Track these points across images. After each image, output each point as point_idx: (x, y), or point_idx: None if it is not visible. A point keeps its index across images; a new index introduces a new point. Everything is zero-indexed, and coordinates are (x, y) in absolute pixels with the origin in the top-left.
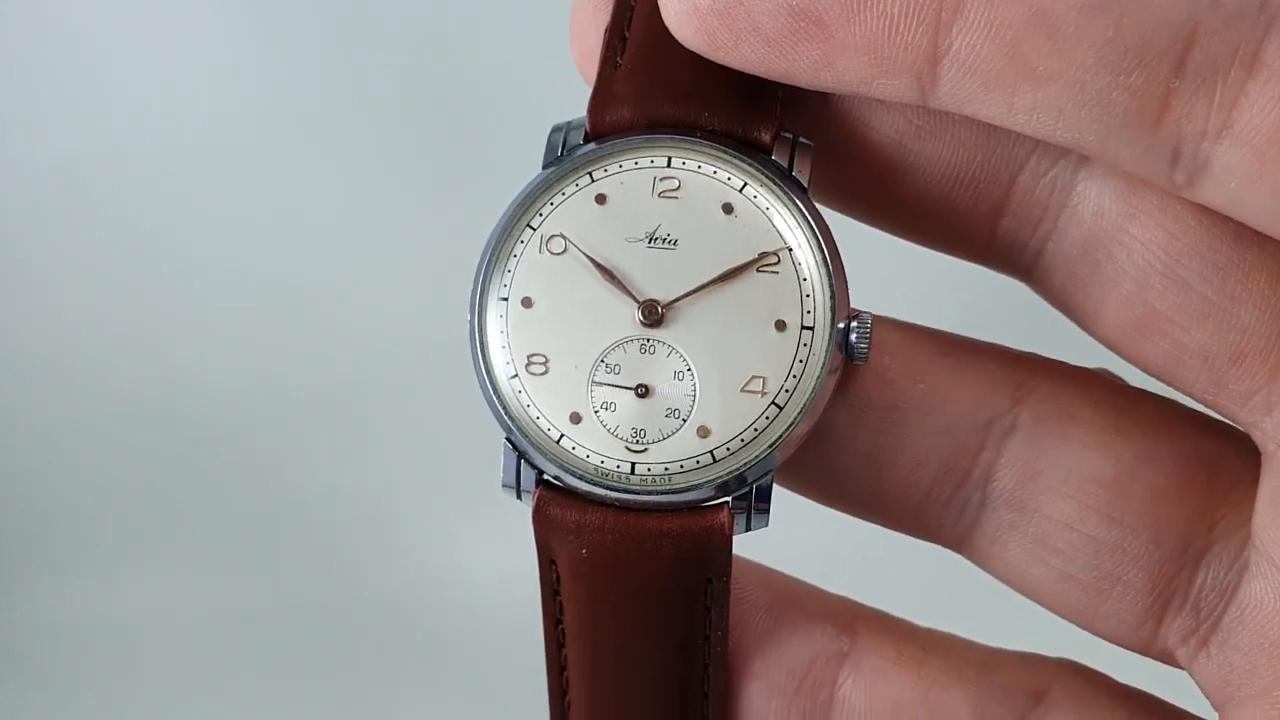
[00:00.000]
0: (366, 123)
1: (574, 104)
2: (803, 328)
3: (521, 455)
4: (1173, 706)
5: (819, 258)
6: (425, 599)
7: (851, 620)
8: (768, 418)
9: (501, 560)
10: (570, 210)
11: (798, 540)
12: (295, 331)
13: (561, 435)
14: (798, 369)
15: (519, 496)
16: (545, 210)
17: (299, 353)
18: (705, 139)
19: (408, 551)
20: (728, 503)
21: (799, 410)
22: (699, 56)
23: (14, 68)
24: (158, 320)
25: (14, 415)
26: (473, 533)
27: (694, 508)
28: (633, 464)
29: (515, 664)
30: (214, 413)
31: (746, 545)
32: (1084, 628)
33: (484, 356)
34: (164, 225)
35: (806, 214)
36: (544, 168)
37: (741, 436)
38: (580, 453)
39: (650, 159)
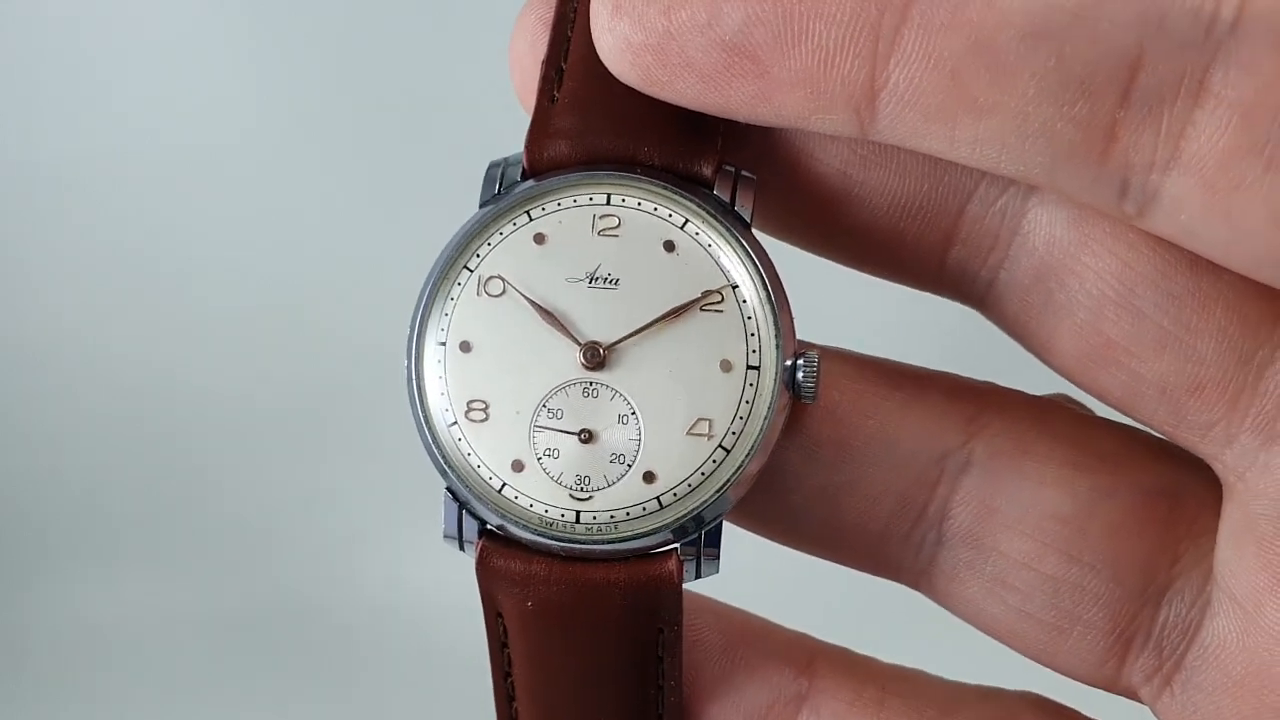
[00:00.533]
0: (364, 124)
1: None
2: (748, 367)
3: (463, 505)
4: None
5: (763, 295)
6: (422, 601)
7: (810, 659)
8: (715, 461)
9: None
10: (508, 250)
11: (757, 572)
12: (296, 333)
13: (504, 484)
14: (744, 410)
15: (461, 547)
16: (483, 251)
17: (300, 354)
18: (645, 174)
19: (405, 554)
20: (676, 550)
21: (747, 452)
22: (637, 90)
23: (14, 68)
24: (157, 320)
25: (14, 415)
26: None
27: (642, 555)
28: (578, 512)
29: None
30: (214, 414)
31: (706, 579)
32: (1046, 665)
33: (422, 403)
34: (164, 225)
35: (750, 250)
36: (481, 205)
37: (689, 481)
38: (524, 502)
39: (589, 196)
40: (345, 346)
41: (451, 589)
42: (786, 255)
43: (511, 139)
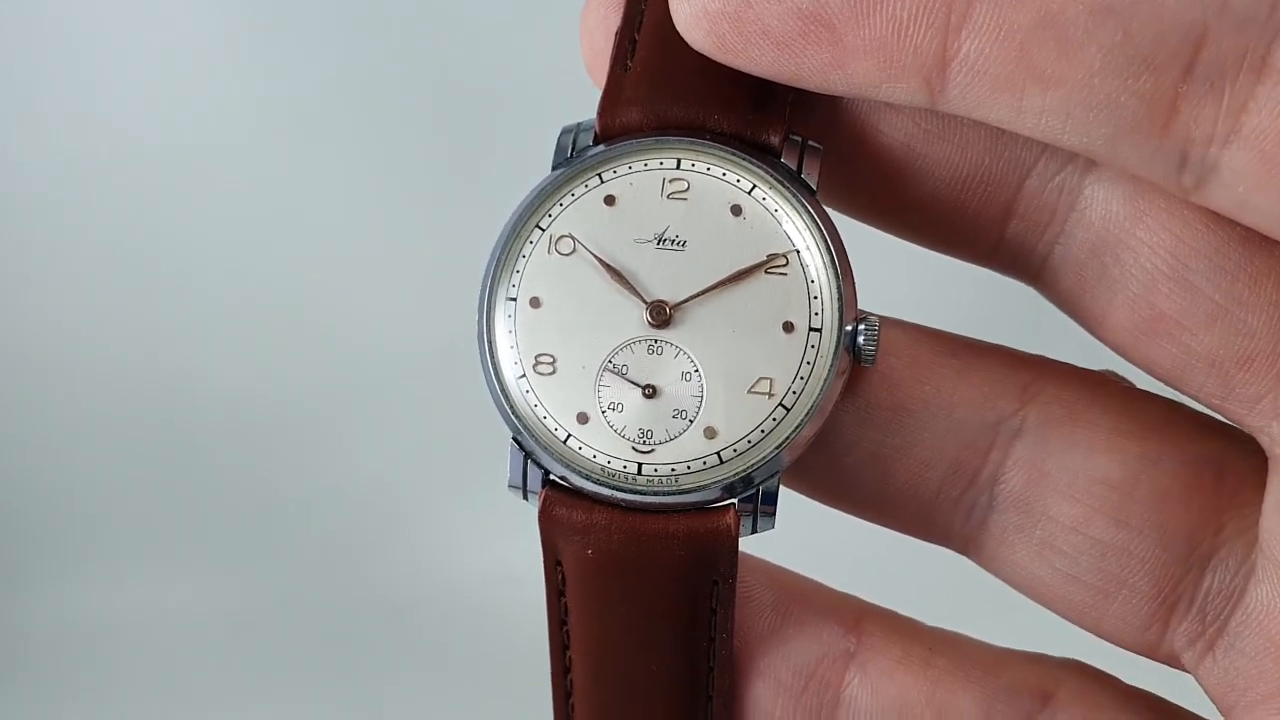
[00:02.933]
0: (368, 122)
1: (584, 103)
2: (810, 329)
3: (528, 455)
4: (1180, 708)
5: (827, 260)
6: (429, 597)
7: (858, 619)
8: (775, 419)
9: (508, 558)
10: (579, 211)
11: (805, 537)
12: (297, 331)
13: (569, 435)
14: (805, 370)
15: (525, 497)
16: (554, 211)
17: (300, 352)
18: (714, 141)
19: (412, 550)
20: (734, 504)
21: (806, 412)
22: (709, 59)
23: (14, 68)
24: (158, 320)
25: (14, 415)
26: (478, 531)
27: (700, 509)
28: (639, 464)
29: (522, 662)
30: (215, 412)
31: (753, 541)
32: (1090, 630)
33: (492, 356)
34: (164, 225)
35: (815, 216)
36: (553, 169)
37: (749, 438)
38: (587, 453)
39: (660, 161)
40: (347, 345)
41: (462, 580)
42: (845, 230)
43: (521, 134)
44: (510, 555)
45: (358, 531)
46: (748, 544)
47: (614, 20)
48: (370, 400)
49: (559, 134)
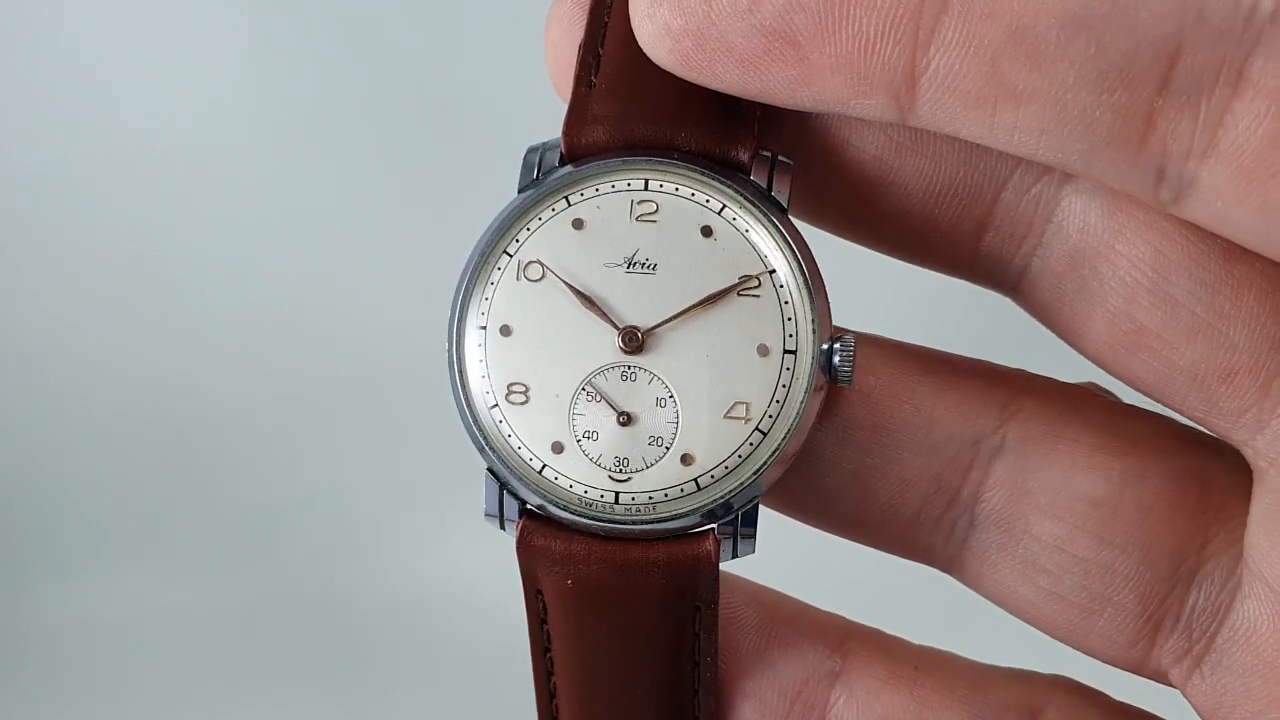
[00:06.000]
0: (366, 124)
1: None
2: (785, 351)
3: (504, 486)
4: None
5: (800, 280)
6: (423, 601)
7: (843, 638)
8: (752, 443)
9: (498, 564)
10: (547, 236)
11: (790, 556)
12: (296, 333)
13: (544, 465)
14: (781, 393)
15: (502, 526)
16: (522, 236)
17: (299, 355)
18: (683, 160)
19: (406, 554)
20: (714, 530)
21: (783, 435)
22: (675, 75)
23: (14, 68)
24: (158, 321)
25: (14, 415)
26: (471, 536)
27: (680, 535)
28: (616, 493)
29: (511, 668)
30: (214, 414)
31: (739, 560)
32: (1076, 648)
33: (463, 386)
34: (164, 225)
35: (786, 235)
36: (520, 190)
37: (726, 463)
38: (563, 483)
39: (627, 182)
40: (344, 349)
41: (456, 584)
42: (818, 243)
43: (516, 135)
44: (501, 559)
45: (353, 534)
46: (732, 564)
47: (578, 34)
48: (366, 404)
49: (525, 153)
